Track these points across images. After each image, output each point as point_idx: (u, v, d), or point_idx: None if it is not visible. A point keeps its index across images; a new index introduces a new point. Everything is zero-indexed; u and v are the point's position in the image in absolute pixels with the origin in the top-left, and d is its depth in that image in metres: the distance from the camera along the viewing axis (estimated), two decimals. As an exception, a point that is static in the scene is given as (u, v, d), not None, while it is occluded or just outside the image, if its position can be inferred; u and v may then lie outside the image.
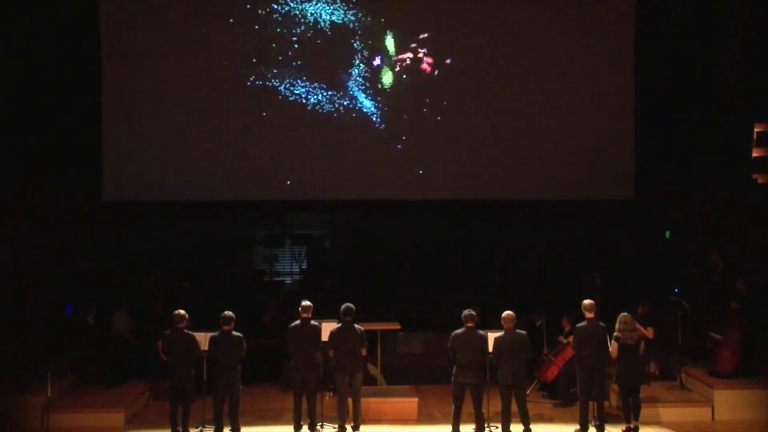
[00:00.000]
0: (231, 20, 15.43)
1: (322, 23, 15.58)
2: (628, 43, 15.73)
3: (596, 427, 10.40)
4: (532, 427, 10.24)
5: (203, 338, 10.37)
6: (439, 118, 15.76)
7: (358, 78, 15.68)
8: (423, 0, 15.77)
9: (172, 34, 15.31)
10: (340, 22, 15.60)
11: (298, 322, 10.52)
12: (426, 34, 15.69)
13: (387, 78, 15.73)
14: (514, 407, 10.22)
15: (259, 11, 15.44)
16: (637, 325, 10.69)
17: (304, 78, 15.57)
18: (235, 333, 10.31)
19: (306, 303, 10.56)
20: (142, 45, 15.26)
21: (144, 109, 15.36)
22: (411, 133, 15.73)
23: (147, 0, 15.39)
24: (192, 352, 10.28)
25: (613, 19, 15.74)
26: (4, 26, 13.75)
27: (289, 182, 15.59)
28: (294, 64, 15.54)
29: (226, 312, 10.36)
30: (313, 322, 10.52)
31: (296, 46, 15.54)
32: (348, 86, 15.66)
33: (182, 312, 10.36)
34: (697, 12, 15.21)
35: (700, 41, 15.25)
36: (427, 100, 15.74)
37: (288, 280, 17.36)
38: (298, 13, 15.51)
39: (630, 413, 10.52)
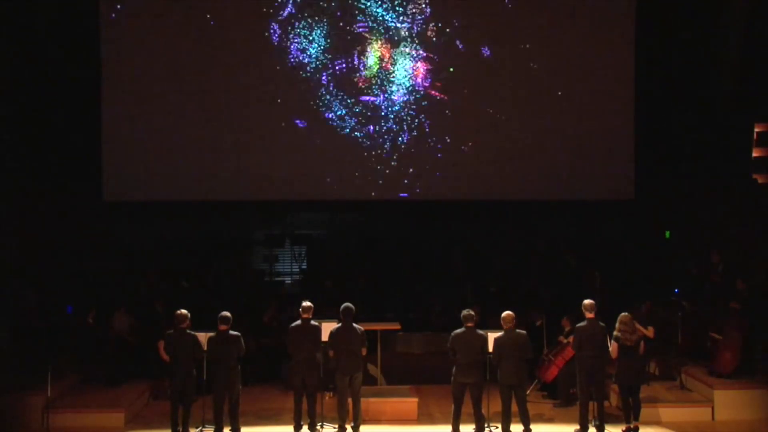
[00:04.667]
0: (231, 20, 15.43)
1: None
2: (628, 43, 15.73)
3: (596, 427, 10.40)
4: (532, 427, 10.24)
5: (203, 338, 10.36)
6: (439, 118, 15.77)
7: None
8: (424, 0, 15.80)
9: (172, 33, 15.30)
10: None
11: (298, 322, 10.52)
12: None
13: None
14: (514, 407, 10.22)
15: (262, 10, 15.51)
16: (637, 325, 10.68)
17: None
18: (232, 332, 10.30)
19: (306, 303, 10.56)
20: (142, 44, 15.26)
21: (144, 109, 15.36)
22: (411, 133, 15.73)
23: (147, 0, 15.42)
24: (195, 352, 10.29)
25: (613, 19, 15.74)
26: (3, 25, 13.74)
27: (289, 182, 15.61)
28: (294, 62, 15.58)
29: (224, 312, 10.35)
30: (313, 322, 10.52)
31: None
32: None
33: (184, 312, 10.35)
34: (697, 12, 15.20)
35: (700, 41, 15.25)
36: (427, 101, 15.74)
37: (288, 280, 17.34)
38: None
39: (630, 413, 10.52)
